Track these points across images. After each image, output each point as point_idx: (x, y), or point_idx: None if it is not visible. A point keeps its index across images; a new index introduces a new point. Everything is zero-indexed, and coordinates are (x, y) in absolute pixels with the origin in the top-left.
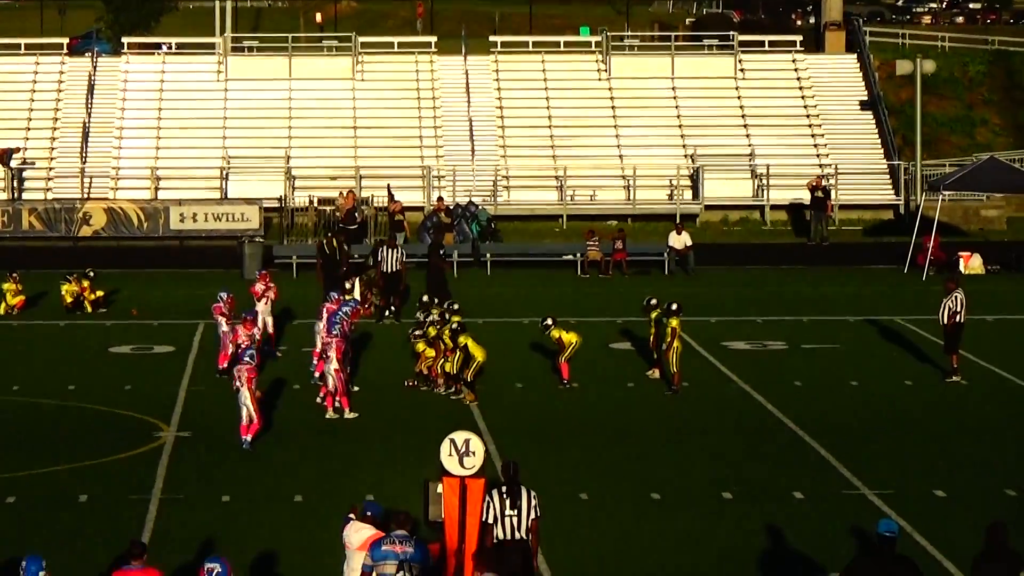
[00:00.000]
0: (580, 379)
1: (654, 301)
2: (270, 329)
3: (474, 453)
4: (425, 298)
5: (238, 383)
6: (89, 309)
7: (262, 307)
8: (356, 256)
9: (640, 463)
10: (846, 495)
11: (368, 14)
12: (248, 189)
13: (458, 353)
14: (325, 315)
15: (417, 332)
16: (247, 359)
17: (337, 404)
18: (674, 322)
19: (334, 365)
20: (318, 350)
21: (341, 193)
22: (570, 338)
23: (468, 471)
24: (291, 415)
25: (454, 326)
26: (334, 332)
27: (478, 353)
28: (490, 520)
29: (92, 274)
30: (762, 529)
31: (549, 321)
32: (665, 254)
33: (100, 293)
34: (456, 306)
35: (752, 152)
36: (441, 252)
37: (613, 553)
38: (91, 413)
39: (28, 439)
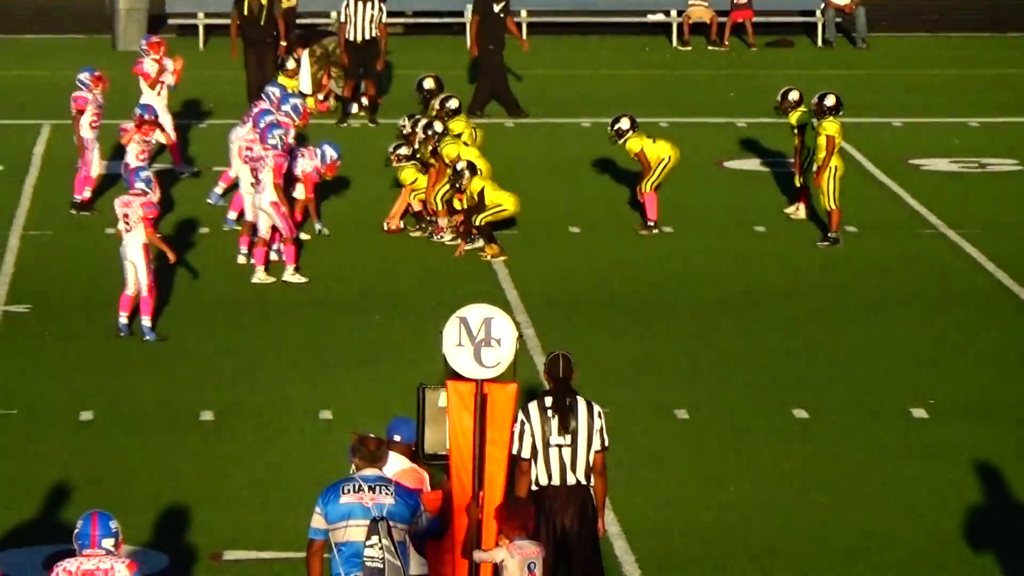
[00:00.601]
0: (674, 220)
1: (795, 94)
2: (171, 134)
3: (499, 341)
4: (428, 83)
5: (126, 225)
6: None
7: (156, 99)
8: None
9: (774, 359)
10: None
11: None
12: None
13: (469, 194)
14: (251, 117)
15: (402, 150)
16: (141, 186)
17: (278, 257)
18: (829, 127)
19: (270, 196)
20: (233, 174)
21: None
22: (658, 152)
23: (490, 371)
24: (200, 280)
25: (459, 166)
26: (269, 143)
27: (504, 201)
28: (526, 453)
29: None
30: (973, 467)
31: (624, 123)
32: (819, 12)
33: None
34: (455, 104)
35: None
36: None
37: (731, 507)
38: None
39: None
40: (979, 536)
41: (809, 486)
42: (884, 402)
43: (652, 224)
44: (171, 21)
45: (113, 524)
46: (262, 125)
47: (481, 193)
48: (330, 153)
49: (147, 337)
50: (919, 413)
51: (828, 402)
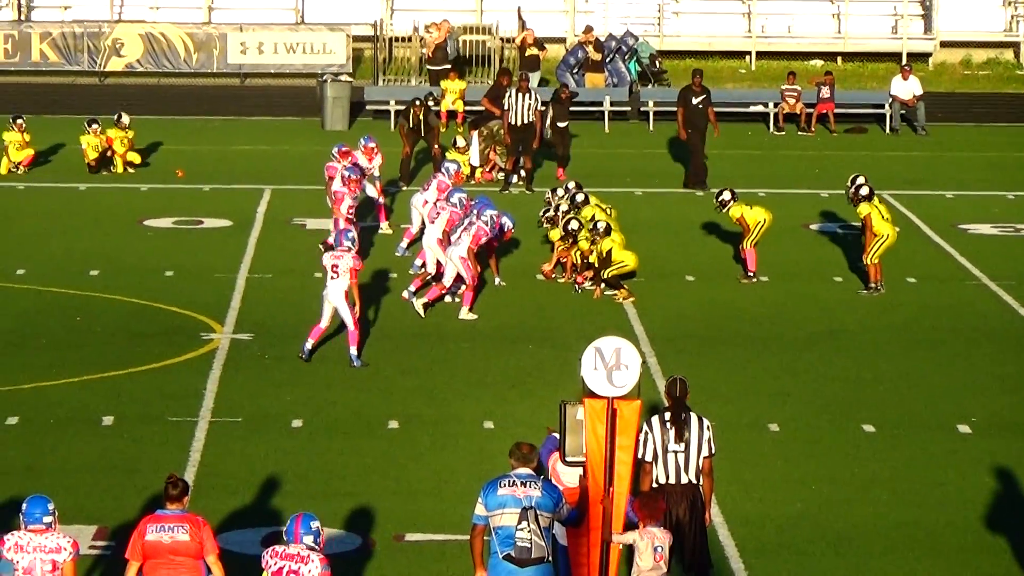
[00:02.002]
0: (768, 271)
1: (861, 181)
2: (380, 198)
3: (627, 366)
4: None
5: (333, 274)
6: (119, 168)
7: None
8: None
9: (847, 385)
10: None
11: None
12: (332, 11)
13: (599, 251)
14: (435, 183)
15: (548, 214)
16: (348, 244)
17: (451, 299)
18: (867, 208)
19: (461, 251)
20: (414, 229)
21: (432, 25)
22: (755, 216)
23: (620, 390)
24: (383, 313)
25: (594, 225)
26: (452, 201)
27: (627, 259)
28: (648, 457)
29: (125, 121)
30: (1006, 474)
31: (727, 195)
32: (887, 105)
33: (137, 158)
34: (575, 187)
35: None
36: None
37: (811, 502)
38: (119, 307)
39: (36, 341)
40: (1010, 529)
41: (874, 486)
42: (935, 419)
43: (752, 275)
44: (368, 107)
45: (314, 524)
46: (464, 201)
47: (609, 252)
48: (508, 223)
49: (354, 364)
50: (964, 429)
51: (890, 419)
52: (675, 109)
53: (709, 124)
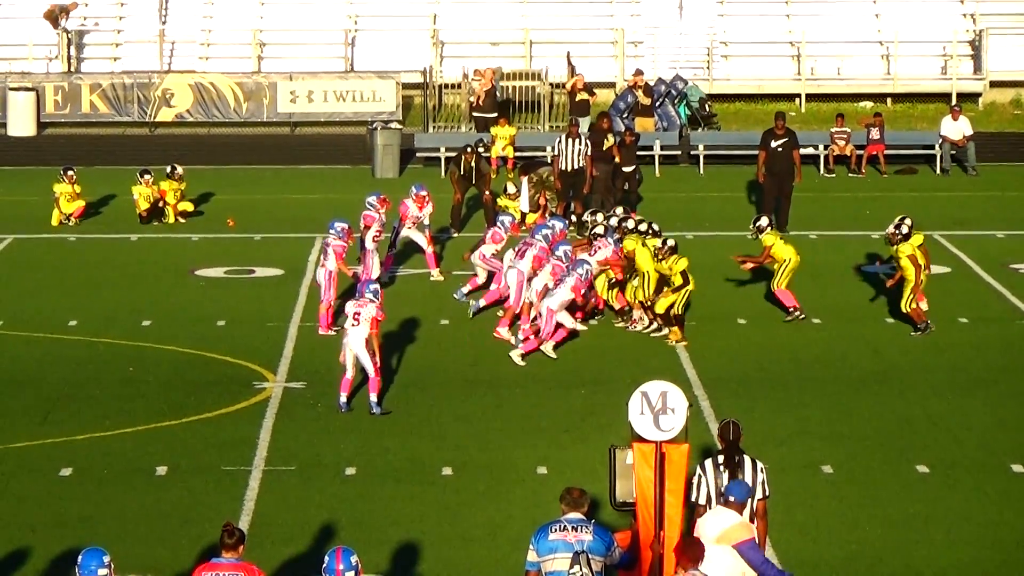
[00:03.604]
0: (820, 312)
1: (908, 223)
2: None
3: (673, 410)
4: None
5: (355, 322)
6: (171, 219)
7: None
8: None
9: (901, 426)
10: None
11: None
12: (382, 58)
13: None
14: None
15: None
16: (369, 295)
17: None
18: (907, 249)
19: (558, 301)
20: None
21: (477, 72)
22: (783, 253)
23: (666, 434)
24: (435, 360)
25: (670, 242)
26: (557, 254)
27: (646, 264)
28: (702, 500)
29: (179, 172)
30: None
31: (764, 221)
32: (937, 146)
33: (189, 207)
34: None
35: None
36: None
37: (866, 543)
38: (171, 357)
39: (89, 392)
40: None
41: (928, 526)
42: (988, 459)
43: (794, 311)
44: (419, 154)
45: (353, 559)
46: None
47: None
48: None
49: (374, 411)
50: (1018, 468)
51: (943, 459)
52: (726, 152)
53: (793, 168)
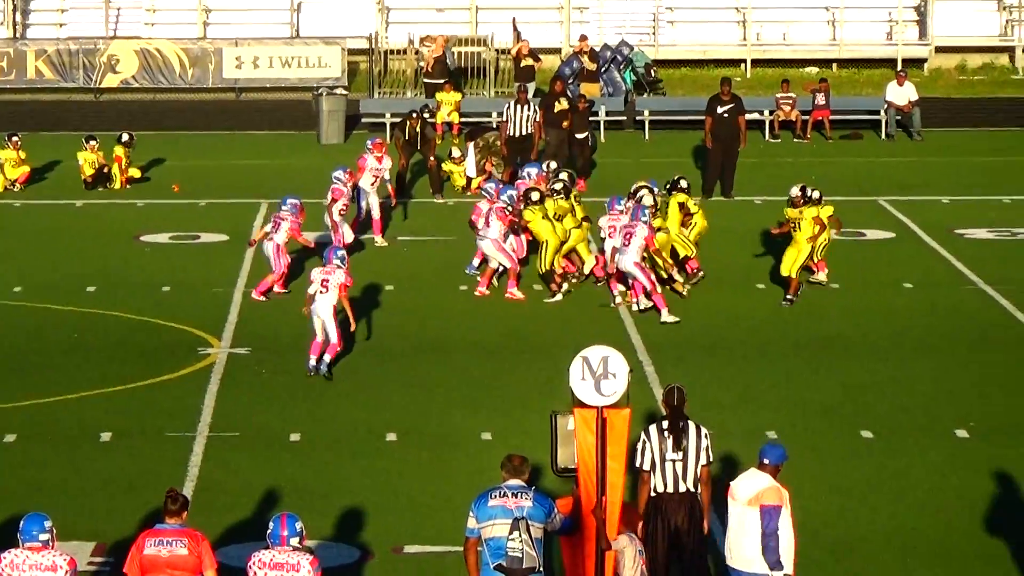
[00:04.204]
0: (765, 279)
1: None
2: (377, 212)
3: (615, 375)
4: (553, 165)
5: (323, 288)
6: (117, 185)
7: (369, 187)
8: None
9: (845, 391)
10: None
11: None
12: (327, 24)
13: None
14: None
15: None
16: (337, 261)
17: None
18: (813, 211)
19: (634, 257)
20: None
21: (428, 38)
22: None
23: (608, 399)
24: (381, 326)
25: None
26: (504, 202)
27: (544, 233)
28: (646, 466)
29: (131, 139)
30: (1004, 478)
31: (684, 183)
32: (882, 112)
33: (137, 173)
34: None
35: None
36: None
37: (810, 509)
38: (116, 323)
39: (33, 358)
40: (1009, 534)
41: (873, 492)
42: (933, 425)
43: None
44: (364, 120)
45: (298, 525)
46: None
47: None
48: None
49: (322, 370)
50: (962, 434)
51: (888, 425)
52: (671, 118)
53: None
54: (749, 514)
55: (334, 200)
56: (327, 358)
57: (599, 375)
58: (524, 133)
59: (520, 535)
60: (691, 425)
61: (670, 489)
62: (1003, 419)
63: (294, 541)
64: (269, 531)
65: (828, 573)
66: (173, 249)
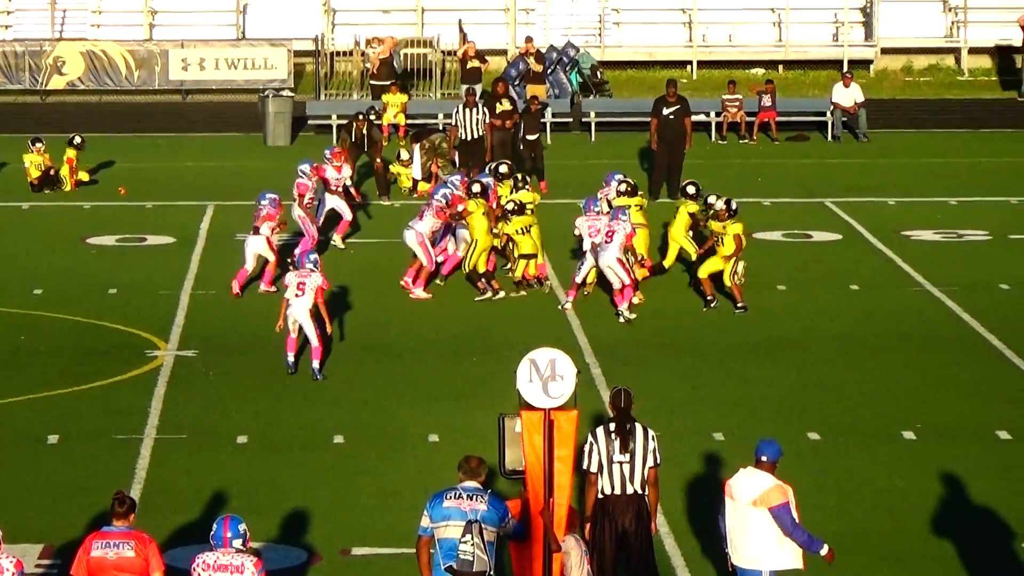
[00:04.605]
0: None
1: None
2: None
3: (562, 377)
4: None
5: (299, 292)
6: (68, 188)
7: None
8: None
9: (792, 393)
10: None
11: None
12: (273, 26)
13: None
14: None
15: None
16: (310, 265)
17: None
18: (737, 228)
19: (616, 254)
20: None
21: (376, 40)
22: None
23: (555, 401)
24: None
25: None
26: (439, 200)
27: (478, 231)
28: (593, 468)
29: (81, 142)
30: (951, 479)
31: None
32: (828, 113)
33: (85, 176)
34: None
35: None
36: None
37: None
38: (63, 325)
39: None
40: (956, 535)
41: (820, 493)
42: (880, 426)
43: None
44: (310, 122)
45: (241, 527)
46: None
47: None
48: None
49: (317, 377)
50: (908, 435)
51: (835, 426)
52: (618, 120)
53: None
54: (753, 514)
55: (300, 195)
56: (315, 363)
57: (546, 377)
58: (475, 137)
59: (473, 538)
60: (638, 427)
61: (617, 491)
62: (949, 420)
63: (237, 543)
64: (212, 533)
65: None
66: (120, 251)
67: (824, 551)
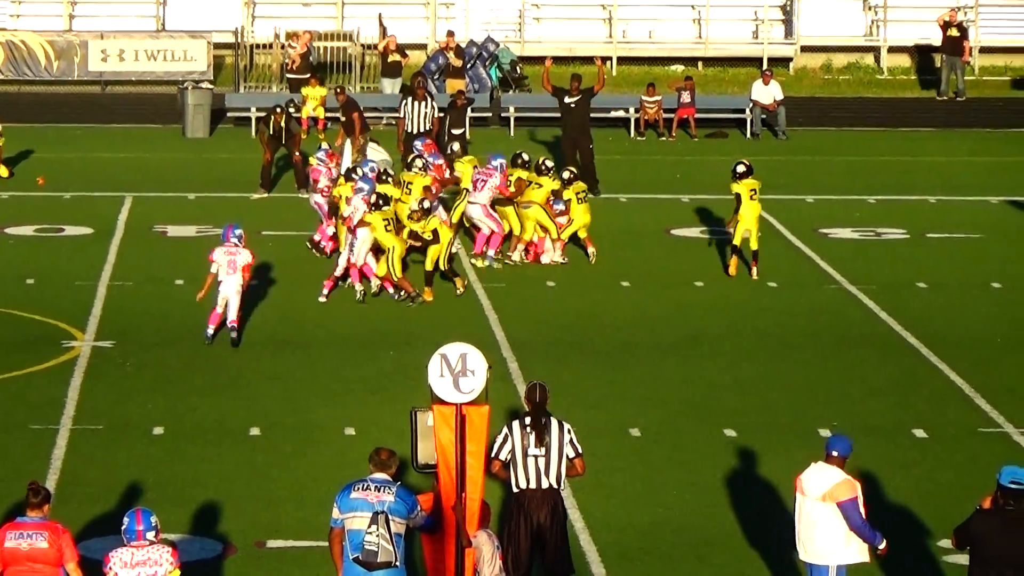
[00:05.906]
0: (630, 276)
1: (742, 168)
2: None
3: (473, 372)
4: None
5: (229, 269)
6: (5, 173)
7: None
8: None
9: (709, 390)
10: (983, 433)
11: None
12: (193, 18)
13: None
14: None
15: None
16: (235, 240)
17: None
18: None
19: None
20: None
21: (293, 35)
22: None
23: (466, 396)
24: (245, 319)
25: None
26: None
27: (386, 241)
28: (502, 456)
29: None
30: (867, 476)
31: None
32: (748, 110)
33: (4, 172)
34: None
35: None
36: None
37: (673, 507)
38: None
39: None
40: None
41: (736, 491)
42: (796, 423)
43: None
44: (229, 114)
45: (153, 519)
46: None
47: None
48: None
49: (237, 344)
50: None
51: (752, 424)
52: (537, 115)
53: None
54: (821, 509)
55: (315, 181)
56: (234, 333)
57: (457, 372)
58: (423, 130)
59: (378, 528)
60: (554, 422)
61: (532, 485)
62: (866, 418)
63: (150, 535)
64: (124, 527)
65: (691, 571)
66: (38, 242)
67: (882, 545)
